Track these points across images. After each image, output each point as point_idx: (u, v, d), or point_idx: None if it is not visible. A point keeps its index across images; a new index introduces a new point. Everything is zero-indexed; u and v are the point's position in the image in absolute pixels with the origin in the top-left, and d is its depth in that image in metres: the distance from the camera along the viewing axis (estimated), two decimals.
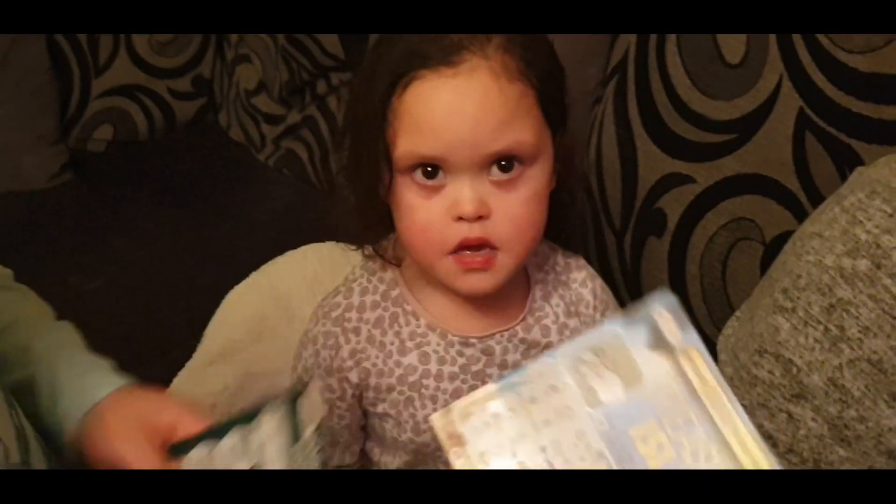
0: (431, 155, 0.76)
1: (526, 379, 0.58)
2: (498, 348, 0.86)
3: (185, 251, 1.57)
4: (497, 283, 0.80)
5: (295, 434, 0.68)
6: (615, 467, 0.55)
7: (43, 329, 0.87)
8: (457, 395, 0.85)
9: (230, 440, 0.70)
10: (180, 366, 1.13)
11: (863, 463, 0.72)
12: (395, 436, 0.88)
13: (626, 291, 1.15)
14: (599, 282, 0.91)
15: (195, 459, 0.70)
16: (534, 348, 0.87)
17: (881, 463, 0.71)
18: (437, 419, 0.59)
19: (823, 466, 0.73)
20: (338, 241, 1.11)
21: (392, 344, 0.86)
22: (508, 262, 0.80)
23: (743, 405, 0.75)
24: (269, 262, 1.10)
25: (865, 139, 0.93)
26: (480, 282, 0.80)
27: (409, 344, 0.85)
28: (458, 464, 0.57)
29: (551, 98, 0.80)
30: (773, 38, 0.98)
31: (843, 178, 0.95)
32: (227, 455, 0.69)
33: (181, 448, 0.72)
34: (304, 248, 1.11)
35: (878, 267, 0.71)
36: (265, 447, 0.68)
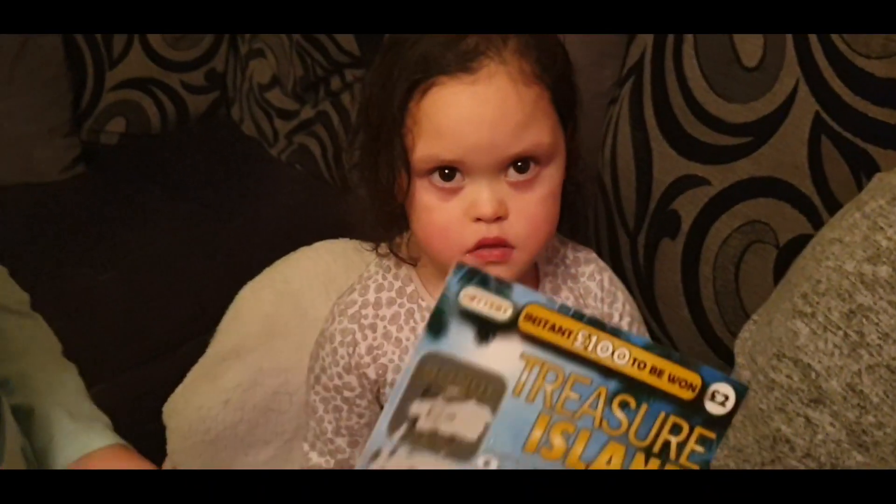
0: (450, 159, 0.77)
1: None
2: None
3: (197, 245, 1.57)
4: (511, 277, 0.81)
5: None
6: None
7: (51, 365, 0.87)
8: None
9: None
10: (191, 360, 1.13)
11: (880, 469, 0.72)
12: None
13: (639, 293, 1.15)
14: (608, 274, 0.92)
15: None
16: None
17: None
18: None
19: None
20: (351, 238, 1.12)
21: (408, 340, 0.87)
22: (524, 257, 0.81)
23: (760, 409, 0.76)
24: (282, 259, 1.11)
25: (881, 144, 0.92)
26: (497, 274, 0.80)
27: None
28: None
29: (564, 97, 0.81)
30: (790, 41, 0.98)
31: (859, 182, 0.95)
32: None
33: None
34: (317, 244, 1.11)
35: None
36: None
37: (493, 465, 0.44)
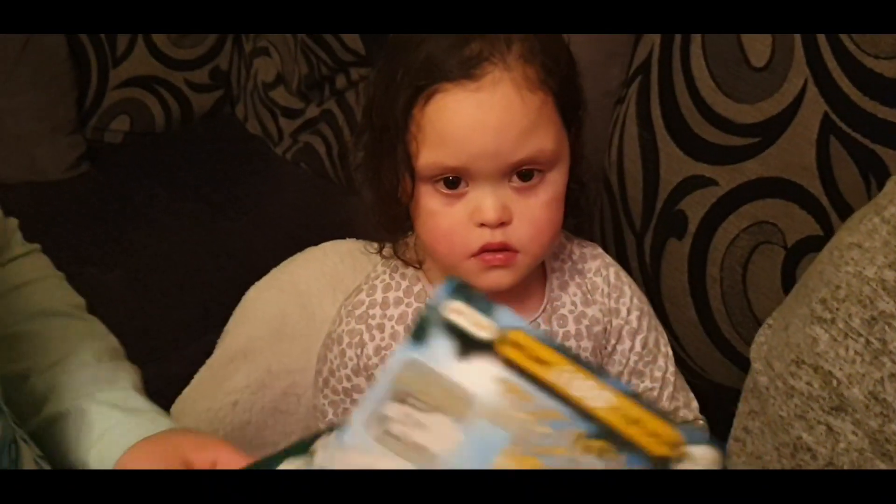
0: (454, 166, 0.77)
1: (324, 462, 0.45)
2: None
3: (201, 244, 1.57)
4: (516, 280, 0.82)
5: None
6: None
7: (100, 365, 0.83)
8: None
9: None
10: (198, 360, 1.13)
11: None
12: None
13: (646, 293, 1.13)
14: (614, 269, 0.92)
15: None
16: (554, 339, 0.88)
17: None
18: None
19: None
20: (357, 238, 1.12)
21: None
22: (527, 261, 0.82)
23: (780, 416, 0.76)
24: (289, 260, 1.11)
25: (891, 145, 0.92)
26: (501, 278, 0.82)
27: None
28: None
29: (569, 101, 0.81)
30: (798, 41, 0.97)
31: (868, 183, 0.94)
32: None
33: None
34: (324, 245, 1.11)
35: None
36: None
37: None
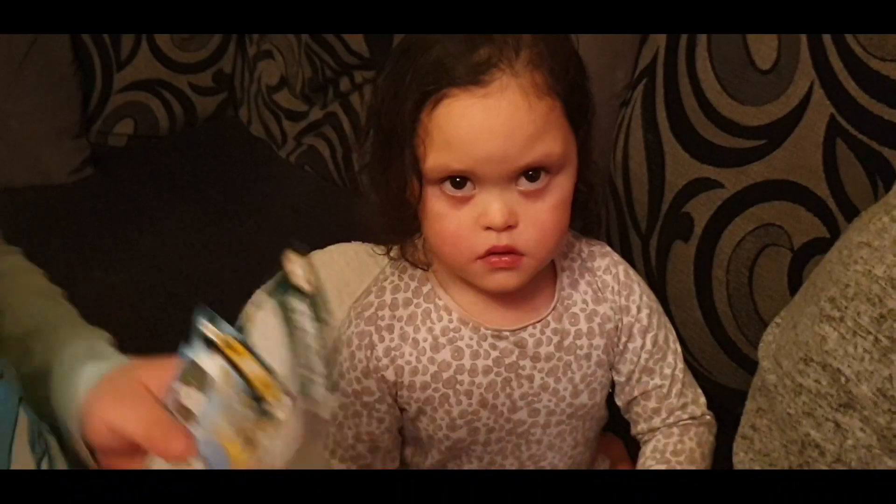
0: (461, 169, 0.78)
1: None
2: (531, 340, 0.88)
3: (206, 247, 1.57)
4: (522, 282, 0.83)
5: (290, 324, 0.67)
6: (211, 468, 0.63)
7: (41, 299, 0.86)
8: (491, 388, 0.87)
9: None
10: None
11: None
12: (429, 433, 0.90)
13: None
14: (623, 266, 0.92)
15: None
16: (566, 338, 0.89)
17: None
18: None
19: None
20: (363, 240, 1.12)
21: (425, 341, 0.87)
22: (533, 264, 0.82)
23: (788, 413, 0.77)
24: None
25: None
26: (507, 280, 0.82)
27: (443, 340, 0.87)
28: None
29: (577, 106, 0.81)
30: (804, 44, 0.97)
31: (874, 185, 0.94)
32: None
33: None
34: (329, 248, 1.11)
35: None
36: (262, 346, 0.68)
37: (199, 434, 0.63)
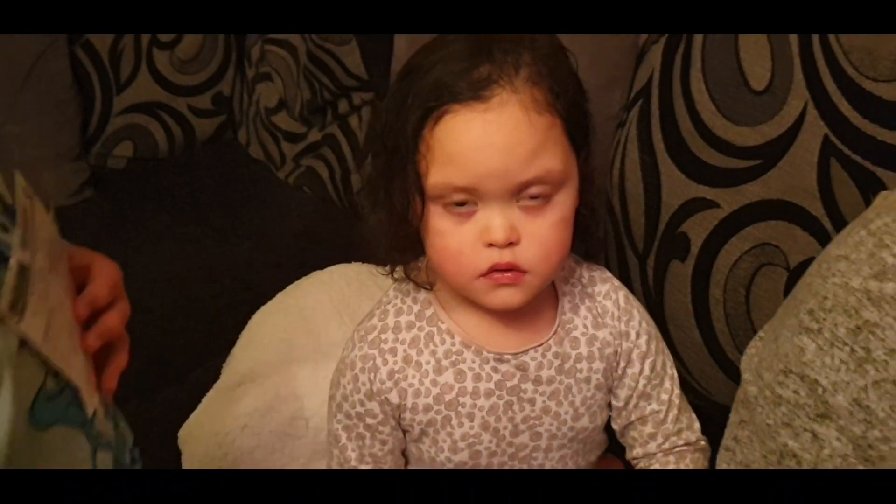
0: (463, 185, 0.78)
1: None
2: (532, 364, 0.88)
3: (204, 268, 1.57)
4: (525, 299, 0.83)
5: None
6: None
7: None
8: (493, 411, 0.88)
9: None
10: (202, 385, 1.13)
11: None
12: (432, 456, 0.90)
13: (649, 315, 1.15)
14: (623, 292, 0.93)
15: None
16: (566, 361, 0.89)
17: None
18: None
19: None
20: (363, 261, 1.13)
21: (428, 363, 0.88)
22: (535, 281, 0.83)
23: (767, 424, 0.78)
24: (295, 284, 1.11)
25: (890, 167, 0.93)
26: (510, 297, 0.83)
27: (445, 362, 0.87)
28: None
29: (577, 124, 0.82)
30: (797, 65, 0.98)
31: (868, 204, 0.95)
32: None
33: None
34: (330, 269, 1.12)
35: None
36: None
37: None
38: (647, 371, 0.91)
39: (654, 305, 1.15)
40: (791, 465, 0.77)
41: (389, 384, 0.87)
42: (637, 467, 0.95)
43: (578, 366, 0.89)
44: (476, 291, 0.83)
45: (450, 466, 0.90)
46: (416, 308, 0.89)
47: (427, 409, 0.87)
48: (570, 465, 0.93)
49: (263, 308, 1.09)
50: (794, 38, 0.99)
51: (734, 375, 1.09)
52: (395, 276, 0.89)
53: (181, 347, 1.41)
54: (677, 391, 0.93)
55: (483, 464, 0.90)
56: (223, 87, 1.89)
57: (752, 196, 1.03)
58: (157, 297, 1.50)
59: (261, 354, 1.05)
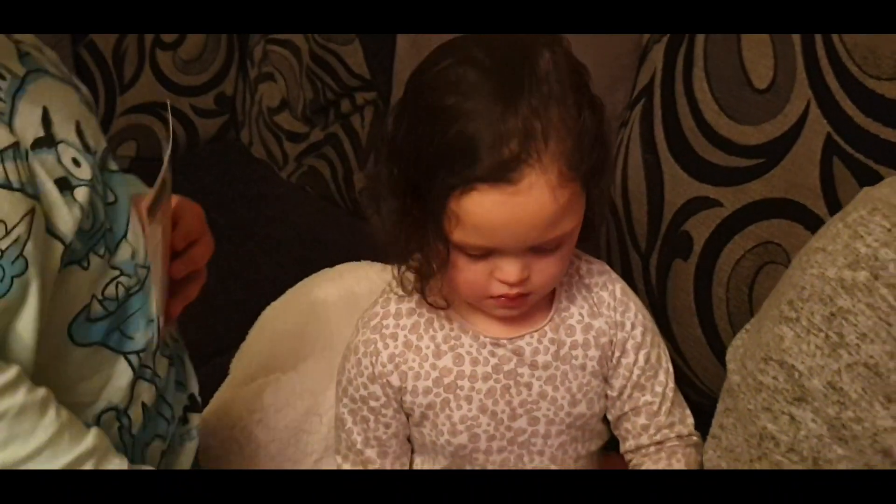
0: (485, 247, 0.81)
1: None
2: (528, 349, 0.91)
3: (208, 267, 1.57)
4: (526, 309, 0.89)
5: None
6: None
7: None
8: (491, 394, 0.91)
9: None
10: (206, 384, 1.13)
11: (859, 461, 0.75)
12: (433, 439, 0.93)
13: (652, 313, 1.14)
14: (620, 285, 0.95)
15: None
16: (562, 347, 0.92)
17: (877, 461, 0.75)
18: None
19: (822, 464, 0.77)
20: (363, 260, 1.14)
21: (428, 348, 0.91)
22: (537, 298, 0.88)
23: (749, 409, 0.82)
24: (305, 280, 1.12)
25: (893, 165, 0.93)
26: (513, 311, 0.88)
27: (444, 347, 0.91)
28: None
29: (594, 176, 0.83)
30: (800, 63, 0.99)
31: None
32: None
33: None
34: (339, 266, 1.13)
35: (876, 277, 0.74)
36: None
37: None
38: (641, 362, 0.93)
39: (657, 304, 1.15)
40: (769, 446, 0.80)
41: (390, 367, 0.90)
42: (630, 463, 0.96)
43: (574, 353, 0.91)
44: (483, 305, 0.88)
45: (450, 450, 0.92)
46: (416, 296, 0.91)
47: (427, 391, 0.90)
48: (570, 453, 0.94)
49: (274, 304, 1.11)
50: (796, 37, 0.99)
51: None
52: (408, 291, 0.90)
53: (185, 345, 1.41)
54: (672, 385, 0.95)
55: (482, 448, 0.92)
56: (226, 87, 1.89)
57: (754, 195, 1.04)
58: None
59: (273, 349, 1.07)
